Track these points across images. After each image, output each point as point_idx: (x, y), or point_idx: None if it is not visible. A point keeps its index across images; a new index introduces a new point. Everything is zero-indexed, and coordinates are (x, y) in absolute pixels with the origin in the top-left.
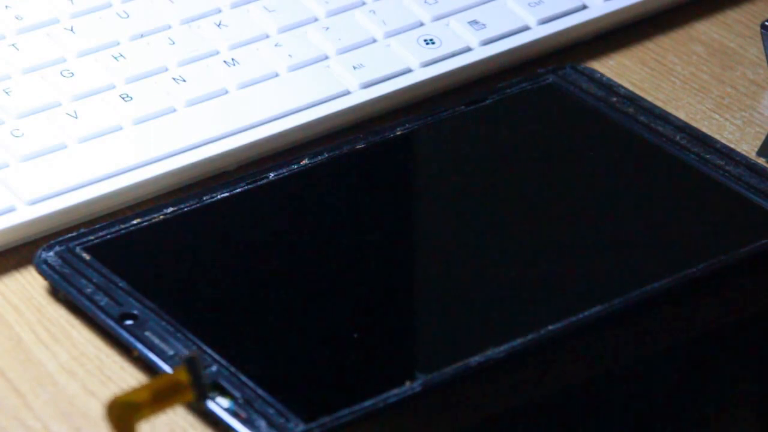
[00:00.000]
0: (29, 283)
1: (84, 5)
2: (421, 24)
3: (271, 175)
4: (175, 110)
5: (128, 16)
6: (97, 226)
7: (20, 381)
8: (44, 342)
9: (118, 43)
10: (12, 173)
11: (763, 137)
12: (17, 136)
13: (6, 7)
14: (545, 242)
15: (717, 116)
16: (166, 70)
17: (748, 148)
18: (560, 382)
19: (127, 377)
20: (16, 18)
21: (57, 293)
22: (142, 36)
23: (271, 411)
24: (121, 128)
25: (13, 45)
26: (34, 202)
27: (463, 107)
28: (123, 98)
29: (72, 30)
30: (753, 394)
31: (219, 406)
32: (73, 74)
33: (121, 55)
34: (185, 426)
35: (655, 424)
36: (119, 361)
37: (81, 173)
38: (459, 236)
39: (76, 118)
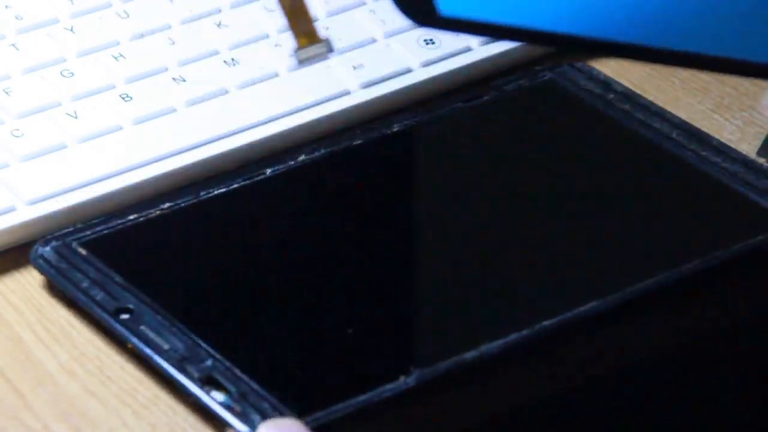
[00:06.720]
0: (29, 282)
1: (84, 5)
2: None
3: (268, 171)
4: (175, 110)
5: (128, 16)
6: (94, 221)
7: (20, 381)
8: (44, 342)
9: (118, 43)
10: (12, 173)
11: (763, 137)
12: (17, 136)
13: (6, 7)
14: (542, 239)
15: (717, 116)
16: (166, 70)
17: (748, 148)
18: (556, 379)
19: (127, 377)
20: (16, 18)
21: (53, 288)
22: (142, 36)
23: (265, 405)
24: (121, 128)
25: (13, 45)
26: (33, 202)
27: (460, 104)
28: (123, 98)
29: (72, 30)
30: (752, 395)
31: (214, 400)
32: (73, 74)
33: (121, 55)
34: (185, 426)
35: (653, 423)
36: (119, 361)
37: (81, 173)
38: (456, 232)
39: (76, 118)
